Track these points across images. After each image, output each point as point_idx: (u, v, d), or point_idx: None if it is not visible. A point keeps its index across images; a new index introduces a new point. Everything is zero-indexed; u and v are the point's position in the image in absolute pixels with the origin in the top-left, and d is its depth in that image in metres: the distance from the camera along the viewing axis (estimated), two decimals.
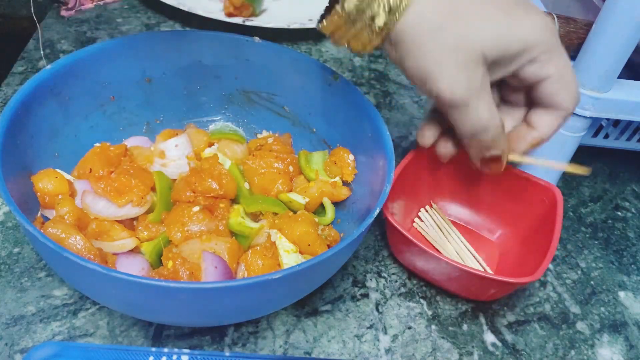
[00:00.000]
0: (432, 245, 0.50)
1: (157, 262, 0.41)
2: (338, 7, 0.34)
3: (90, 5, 0.30)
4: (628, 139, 0.53)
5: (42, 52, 0.62)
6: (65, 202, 0.40)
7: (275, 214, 0.45)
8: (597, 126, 0.51)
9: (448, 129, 0.40)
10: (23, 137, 0.40)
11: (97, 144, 0.46)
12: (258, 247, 0.42)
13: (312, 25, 0.71)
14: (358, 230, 0.36)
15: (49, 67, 0.42)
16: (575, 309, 0.48)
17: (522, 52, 0.34)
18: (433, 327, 0.44)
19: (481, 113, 0.35)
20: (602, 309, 0.48)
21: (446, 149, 0.41)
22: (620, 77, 0.47)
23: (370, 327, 0.43)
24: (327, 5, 0.37)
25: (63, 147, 0.44)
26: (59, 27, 0.69)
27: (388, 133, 0.43)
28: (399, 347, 0.42)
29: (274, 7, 0.77)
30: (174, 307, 0.34)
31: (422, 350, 0.42)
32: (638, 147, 0.54)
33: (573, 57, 0.48)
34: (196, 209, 0.42)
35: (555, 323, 0.46)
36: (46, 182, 0.40)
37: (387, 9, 0.32)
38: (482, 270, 0.47)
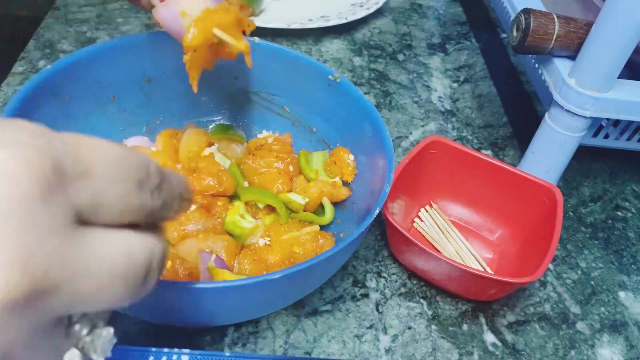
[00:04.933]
0: (432, 245, 0.50)
1: None
2: None
3: None
4: (628, 139, 0.53)
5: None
6: None
7: (272, 210, 0.45)
8: (597, 126, 0.51)
9: None
10: None
11: None
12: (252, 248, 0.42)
13: (312, 25, 0.72)
14: (358, 230, 0.36)
15: (49, 67, 0.42)
16: (575, 309, 0.48)
17: None
18: (433, 327, 0.44)
19: None
20: (602, 309, 0.48)
21: None
22: (620, 77, 0.47)
23: (370, 327, 0.43)
24: None
25: None
26: (59, 27, 0.69)
27: (388, 133, 0.43)
28: (399, 347, 0.42)
29: (274, 7, 0.77)
30: (174, 307, 0.34)
31: (422, 350, 0.42)
32: (638, 147, 0.53)
33: (573, 57, 0.48)
34: (193, 207, 0.42)
35: (555, 323, 0.46)
36: None
37: None
38: (482, 270, 0.47)
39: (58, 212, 0.17)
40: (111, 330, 0.22)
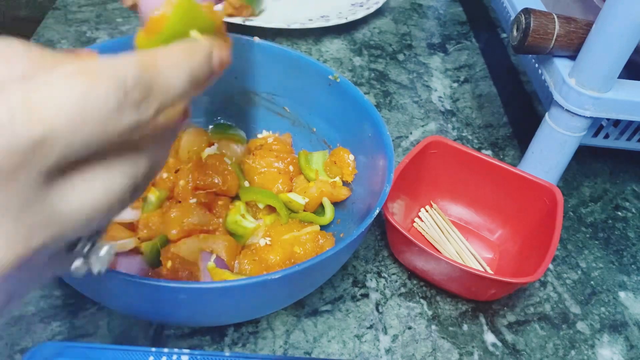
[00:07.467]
0: (432, 245, 0.50)
1: (157, 262, 0.41)
2: None
3: None
4: (628, 139, 0.53)
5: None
6: None
7: (273, 210, 0.45)
8: (597, 126, 0.51)
9: None
10: None
11: None
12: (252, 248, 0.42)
13: (312, 25, 0.72)
14: (358, 230, 0.36)
15: None
16: (575, 309, 0.47)
17: None
18: (433, 327, 0.44)
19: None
20: (602, 309, 0.48)
21: None
22: (620, 77, 0.47)
23: (370, 327, 0.43)
24: None
25: None
26: (59, 27, 0.69)
27: (388, 133, 0.43)
28: (399, 347, 0.42)
29: (274, 7, 0.77)
30: (174, 307, 0.34)
31: (422, 351, 0.42)
32: (638, 147, 0.53)
33: (573, 57, 0.48)
34: (193, 200, 0.42)
35: (555, 323, 0.46)
36: None
37: None
38: (482, 270, 0.47)
39: (25, 185, 0.17)
40: (108, 246, 0.24)
